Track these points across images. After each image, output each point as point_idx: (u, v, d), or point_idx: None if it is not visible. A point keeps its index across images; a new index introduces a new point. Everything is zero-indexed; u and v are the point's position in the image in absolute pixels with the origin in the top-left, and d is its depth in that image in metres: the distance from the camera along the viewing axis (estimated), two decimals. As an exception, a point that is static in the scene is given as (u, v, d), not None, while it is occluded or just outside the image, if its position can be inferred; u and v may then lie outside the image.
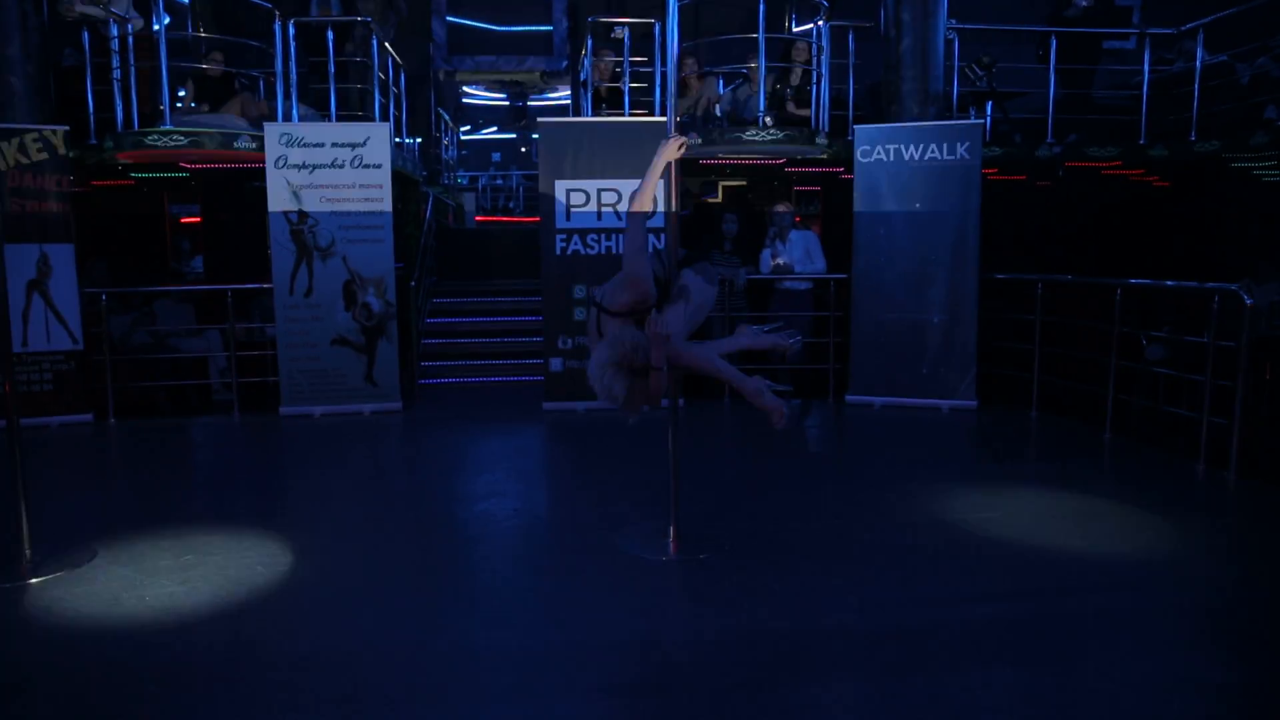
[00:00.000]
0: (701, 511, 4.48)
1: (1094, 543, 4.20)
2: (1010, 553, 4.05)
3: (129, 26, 7.57)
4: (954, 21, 8.57)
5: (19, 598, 3.63)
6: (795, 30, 10.22)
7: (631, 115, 8.29)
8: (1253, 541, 4.34)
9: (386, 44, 8.65)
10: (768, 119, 7.91)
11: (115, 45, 7.50)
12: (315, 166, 6.92)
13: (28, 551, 3.90)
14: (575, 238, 7.05)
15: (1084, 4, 8.89)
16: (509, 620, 3.42)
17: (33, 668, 3.11)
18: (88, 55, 7.71)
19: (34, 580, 3.77)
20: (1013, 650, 3.13)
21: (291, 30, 7.66)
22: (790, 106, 8.44)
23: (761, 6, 7.68)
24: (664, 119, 4.56)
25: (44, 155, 6.76)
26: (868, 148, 7.22)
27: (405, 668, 3.02)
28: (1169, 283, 6.15)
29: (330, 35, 7.83)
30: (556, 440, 6.57)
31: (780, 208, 7.81)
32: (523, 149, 18.48)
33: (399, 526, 4.58)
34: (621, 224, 6.98)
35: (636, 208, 3.54)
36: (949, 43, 8.47)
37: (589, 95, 8.97)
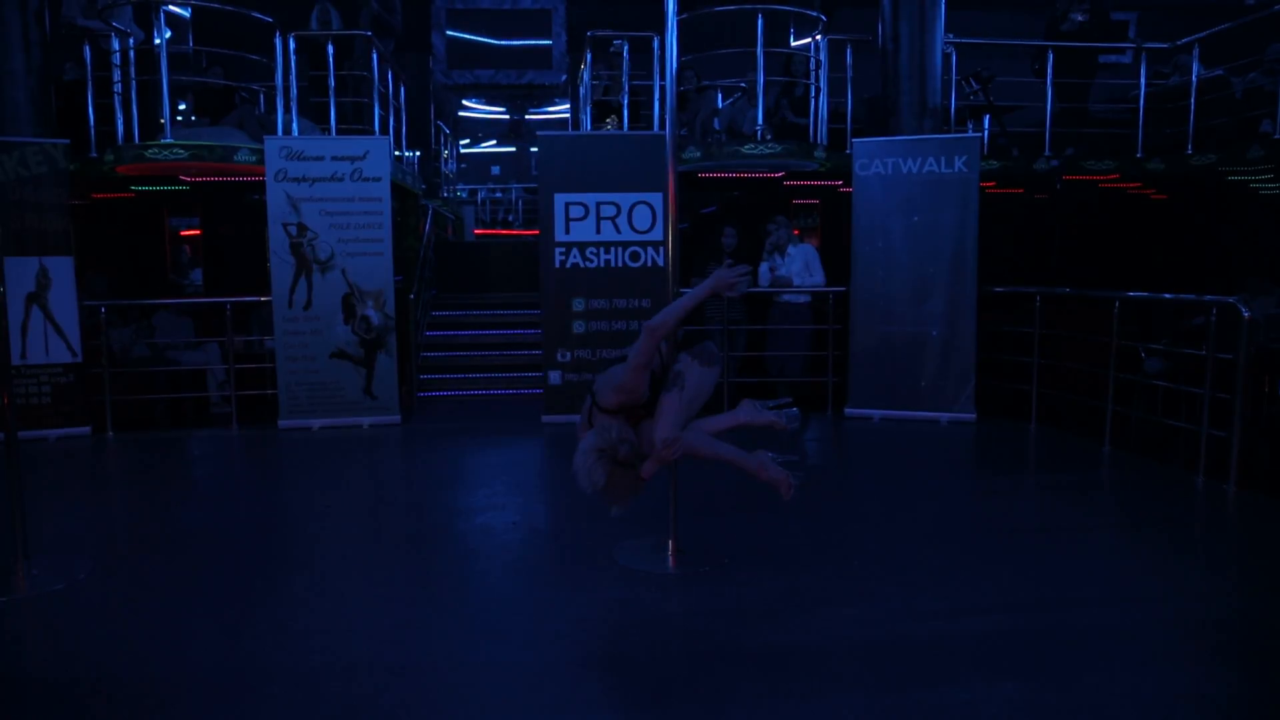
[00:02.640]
0: (701, 524, 4.47)
1: (1094, 555, 4.20)
2: (1010, 565, 4.04)
3: (130, 40, 7.60)
4: (951, 36, 8.63)
5: (16, 612, 3.62)
6: (794, 44, 10.27)
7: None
8: (1253, 554, 4.33)
9: (386, 57, 8.69)
10: (766, 133, 7.94)
11: (116, 60, 7.53)
12: (315, 180, 6.94)
13: (25, 565, 3.88)
14: (574, 251, 7.06)
15: (1079, 19, 8.94)
16: (508, 634, 3.40)
17: (30, 683, 3.10)
18: (89, 69, 7.75)
19: (31, 594, 3.75)
20: (1014, 663, 3.12)
21: (292, 44, 7.70)
22: (789, 115, 8.48)
23: (760, 21, 7.72)
24: (663, 133, 4.58)
25: (44, 168, 6.77)
26: (866, 161, 7.25)
27: (404, 681, 3.01)
28: (1167, 295, 6.16)
29: (330, 49, 7.86)
30: (555, 453, 6.55)
31: (778, 222, 7.83)
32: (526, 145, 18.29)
33: (397, 539, 4.57)
34: (620, 236, 7.00)
35: (657, 325, 3.42)
36: (946, 57, 8.53)
37: (588, 109, 9.01)
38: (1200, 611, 3.58)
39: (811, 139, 8.18)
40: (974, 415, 7.03)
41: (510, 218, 17.59)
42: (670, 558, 4.04)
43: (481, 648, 3.28)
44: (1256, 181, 8.69)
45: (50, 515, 4.83)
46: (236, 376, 7.32)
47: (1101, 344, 6.29)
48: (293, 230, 6.93)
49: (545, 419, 7.14)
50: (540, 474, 6.15)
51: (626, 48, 8.49)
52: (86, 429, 6.98)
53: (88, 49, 7.78)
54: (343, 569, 4.11)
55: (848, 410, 7.35)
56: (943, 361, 7.07)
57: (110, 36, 7.65)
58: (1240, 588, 3.85)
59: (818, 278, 7.69)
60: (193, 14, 9.62)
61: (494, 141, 18.87)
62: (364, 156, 7.01)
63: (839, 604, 3.61)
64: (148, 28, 8.04)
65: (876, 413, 7.26)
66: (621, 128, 8.67)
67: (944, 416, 7.05)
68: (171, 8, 8.82)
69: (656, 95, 8.51)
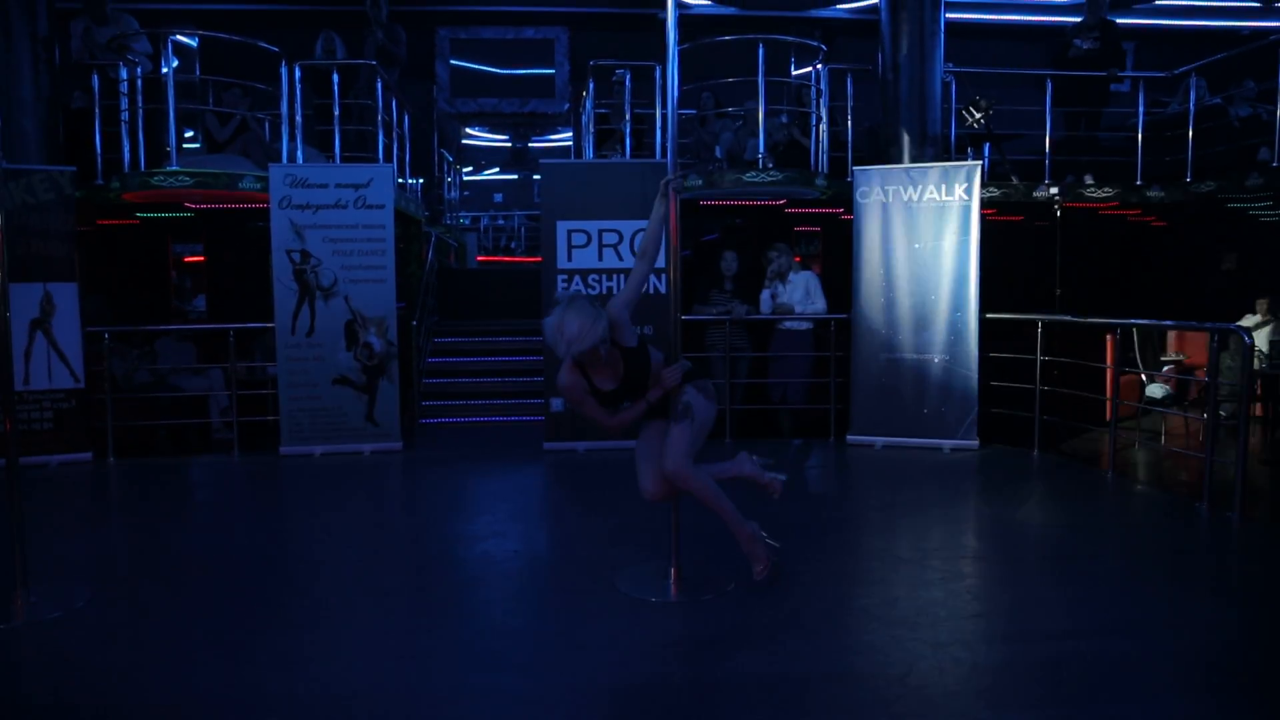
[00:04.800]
0: (703, 552, 4.45)
1: (1099, 584, 4.17)
2: (1013, 595, 4.01)
3: (138, 70, 7.68)
4: (951, 65, 8.71)
5: (15, 639, 3.60)
6: (795, 74, 10.37)
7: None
8: (1259, 582, 4.31)
9: (391, 86, 8.77)
10: (768, 160, 7.99)
11: (124, 88, 7.61)
12: (319, 207, 6.98)
13: (23, 593, 3.86)
14: (576, 278, 7.08)
15: (1085, 46, 9.02)
16: (508, 662, 3.38)
17: (25, 712, 3.07)
18: (96, 98, 7.83)
19: (30, 621, 3.73)
20: (1018, 695, 3.09)
21: (298, 73, 7.78)
22: (796, 133, 8.53)
23: (761, 50, 7.80)
24: (665, 160, 4.61)
25: (50, 195, 6.82)
26: (867, 189, 7.29)
27: (405, 710, 2.98)
28: (1168, 322, 6.17)
29: (335, 78, 7.94)
30: (557, 480, 6.54)
31: (779, 249, 7.86)
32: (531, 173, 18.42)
33: (398, 567, 4.54)
34: (623, 264, 7.02)
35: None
36: (946, 86, 8.60)
37: (590, 137, 9.08)
38: (1206, 640, 3.54)
39: (813, 167, 8.23)
40: (976, 442, 7.01)
41: (513, 245, 17.65)
42: (672, 585, 4.01)
43: (482, 676, 3.26)
44: (1256, 209, 8.73)
45: (49, 541, 4.81)
46: (239, 403, 7.32)
47: (1103, 370, 6.29)
48: (296, 257, 6.97)
49: (547, 446, 7.13)
50: (542, 501, 6.13)
51: (628, 77, 8.58)
52: (88, 455, 6.98)
53: (96, 78, 7.87)
54: (343, 596, 4.08)
55: (850, 437, 7.34)
56: (945, 389, 7.06)
57: (118, 65, 7.74)
58: (1246, 617, 3.82)
59: (819, 305, 7.71)
60: (200, 43, 9.74)
61: (497, 169, 18.98)
62: (368, 184, 7.06)
63: (842, 633, 3.59)
64: (156, 56, 8.14)
65: (879, 440, 7.24)
66: (623, 156, 8.73)
67: (946, 444, 7.03)
68: (179, 37, 8.92)
69: (658, 123, 8.57)
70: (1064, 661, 3.33)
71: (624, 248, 7.04)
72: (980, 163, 8.10)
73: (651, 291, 7.07)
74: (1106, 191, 8.82)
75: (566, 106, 12.71)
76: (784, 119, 8.47)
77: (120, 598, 4.05)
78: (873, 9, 9.07)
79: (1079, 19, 9.50)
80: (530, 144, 16.43)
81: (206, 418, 7.97)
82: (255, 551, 4.79)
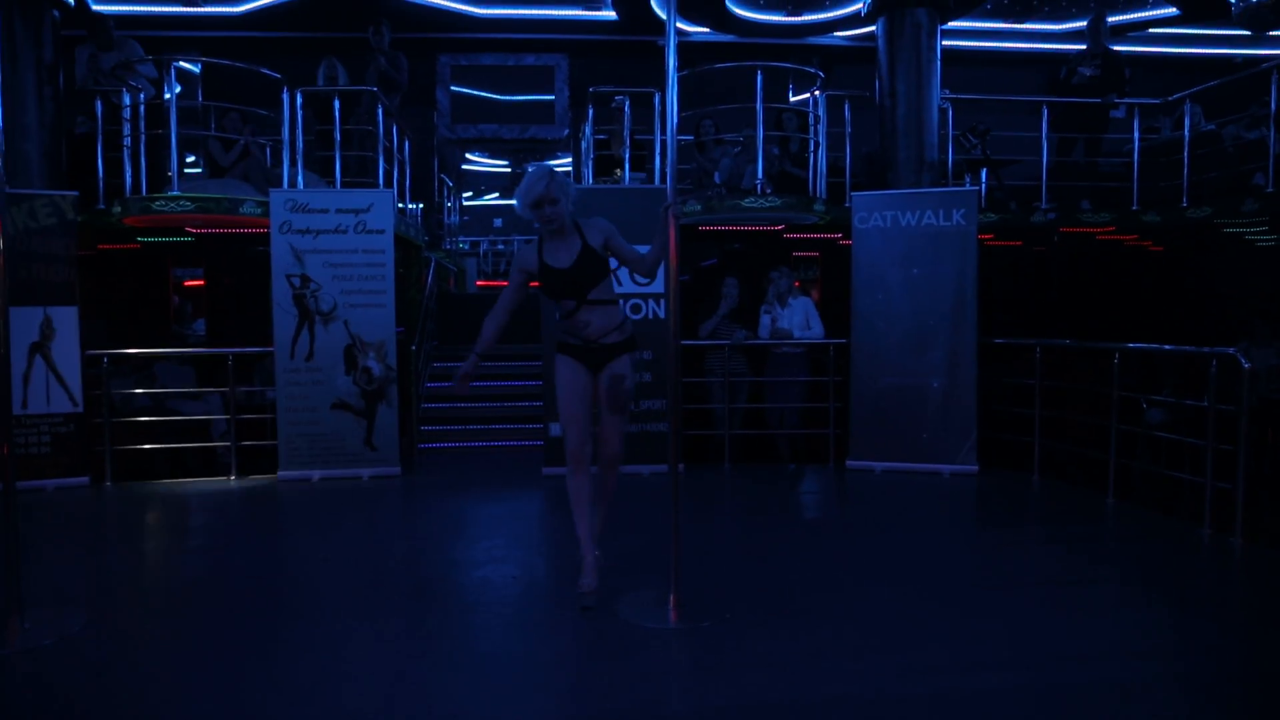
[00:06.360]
0: (703, 578, 4.42)
1: (1100, 609, 4.14)
2: (1015, 620, 3.99)
3: (140, 96, 7.74)
4: (947, 91, 8.79)
5: (7, 666, 3.56)
6: (793, 100, 10.45)
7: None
8: (1262, 609, 4.28)
9: (392, 112, 8.83)
10: (766, 186, 8.03)
11: (127, 114, 7.66)
12: (319, 232, 7.01)
13: (18, 618, 3.83)
14: (576, 302, 7.08)
15: (1088, 73, 9.10)
16: (507, 689, 3.34)
17: (18, 740, 3.04)
18: (99, 124, 7.88)
19: (23, 648, 3.69)
20: (1021, 722, 3.06)
21: (299, 99, 7.83)
22: (788, 166, 8.58)
23: (759, 77, 7.86)
24: (664, 186, 4.64)
25: (53, 220, 6.85)
26: (865, 214, 7.32)
27: (400, 740, 2.96)
28: (1167, 347, 6.17)
29: (337, 104, 8.00)
30: (556, 506, 6.50)
31: (782, 271, 7.88)
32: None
33: (396, 593, 4.51)
34: (621, 289, 7.01)
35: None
36: (943, 112, 8.67)
37: (590, 162, 9.14)
38: (1209, 667, 3.52)
39: (811, 192, 8.27)
40: (976, 467, 6.99)
41: (513, 270, 17.69)
42: (671, 611, 3.98)
43: (480, 702, 3.23)
44: (1252, 233, 8.77)
45: (44, 566, 4.78)
46: (237, 427, 7.31)
47: (1103, 395, 6.29)
48: (296, 281, 6.98)
49: (546, 471, 7.11)
50: (541, 527, 6.11)
51: (628, 103, 8.64)
52: (85, 479, 6.95)
53: (99, 103, 7.92)
54: (341, 622, 4.05)
55: (849, 462, 7.32)
56: (944, 413, 7.05)
57: (122, 92, 7.80)
58: (1248, 643, 3.80)
59: (817, 330, 7.71)
60: (203, 69, 9.82)
61: (497, 194, 19.09)
62: (368, 209, 7.09)
63: (842, 659, 3.56)
64: (160, 81, 8.20)
65: (878, 465, 7.22)
66: (623, 181, 8.78)
67: (946, 468, 7.02)
68: (183, 63, 9.00)
69: (657, 149, 8.63)
70: (1065, 687, 3.30)
71: (623, 272, 7.04)
72: (978, 189, 8.16)
73: (651, 317, 7.09)
74: (1103, 216, 8.87)
75: (566, 132, 12.79)
76: (775, 150, 8.52)
77: (115, 623, 4.01)
78: (870, 36, 9.16)
79: (1075, 47, 9.60)
80: (530, 169, 16.51)
81: (205, 442, 7.94)
82: (252, 577, 4.76)
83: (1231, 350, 5.24)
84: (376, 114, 8.29)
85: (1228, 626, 4.00)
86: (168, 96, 7.47)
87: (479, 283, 15.67)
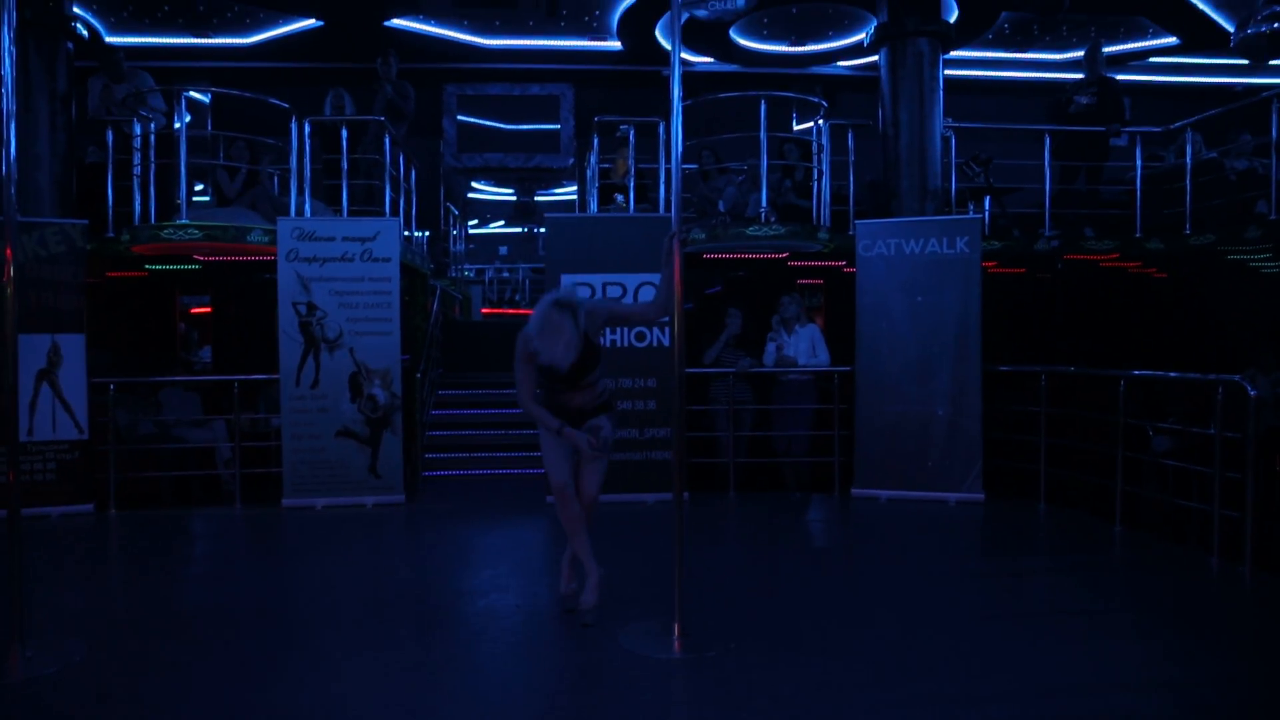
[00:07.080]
0: (707, 608, 4.39)
1: (1108, 639, 4.11)
2: (1023, 650, 3.95)
3: (151, 125, 7.82)
4: (950, 120, 8.84)
5: (9, 696, 3.54)
6: (796, 129, 10.52)
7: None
8: (1271, 638, 4.23)
9: (398, 141, 8.91)
10: (770, 215, 8.07)
11: (137, 144, 7.74)
12: (325, 260, 7.05)
13: (20, 647, 3.81)
14: (580, 329, 7.10)
15: (1084, 101, 9.16)
16: (511, 718, 3.32)
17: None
18: (110, 153, 7.96)
19: (26, 677, 3.67)
20: (1030, 755, 3.03)
21: (307, 129, 7.91)
22: (791, 197, 8.63)
23: (763, 106, 7.92)
24: (669, 215, 4.67)
25: (62, 248, 6.91)
26: (869, 242, 7.35)
27: (402, 772, 2.93)
28: (1173, 374, 6.16)
29: (344, 133, 8.07)
30: (560, 534, 6.46)
31: (791, 298, 7.88)
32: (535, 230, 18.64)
33: (400, 621, 4.49)
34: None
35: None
36: (946, 141, 8.72)
37: (595, 191, 9.19)
38: (1217, 697, 3.48)
39: (815, 221, 8.31)
40: (982, 495, 6.96)
41: (517, 297, 17.77)
42: (675, 641, 3.96)
43: (482, 735, 3.20)
44: (1256, 260, 8.77)
45: (47, 595, 4.77)
46: (242, 454, 7.31)
47: (1108, 422, 6.27)
48: (302, 309, 7.01)
49: (550, 499, 7.08)
50: (545, 555, 6.08)
51: (632, 132, 8.71)
52: (89, 506, 6.95)
53: (110, 133, 8.01)
54: (344, 651, 4.03)
55: (854, 491, 7.29)
56: (949, 441, 7.03)
57: (133, 121, 7.88)
58: (1258, 673, 3.76)
59: (823, 358, 7.70)
60: (212, 99, 9.93)
61: (502, 222, 19.20)
62: (374, 237, 7.13)
63: (848, 690, 3.53)
64: (170, 112, 8.29)
65: (883, 493, 7.19)
66: (627, 210, 8.83)
67: (952, 497, 6.98)
68: (193, 94, 9.10)
69: (662, 178, 8.69)
70: (1072, 717, 3.27)
71: (628, 301, 7.08)
72: (981, 216, 8.18)
73: (655, 345, 7.10)
74: (1107, 243, 8.88)
75: (571, 161, 12.89)
76: (789, 183, 8.57)
77: (118, 652, 4.00)
78: (873, 66, 9.24)
79: (1076, 76, 9.66)
80: (535, 198, 16.63)
81: (210, 469, 7.94)
82: (256, 605, 4.74)
83: (1237, 378, 5.23)
84: (383, 143, 8.36)
85: (1237, 657, 3.96)
86: (177, 126, 7.55)
87: (484, 310, 15.71)
